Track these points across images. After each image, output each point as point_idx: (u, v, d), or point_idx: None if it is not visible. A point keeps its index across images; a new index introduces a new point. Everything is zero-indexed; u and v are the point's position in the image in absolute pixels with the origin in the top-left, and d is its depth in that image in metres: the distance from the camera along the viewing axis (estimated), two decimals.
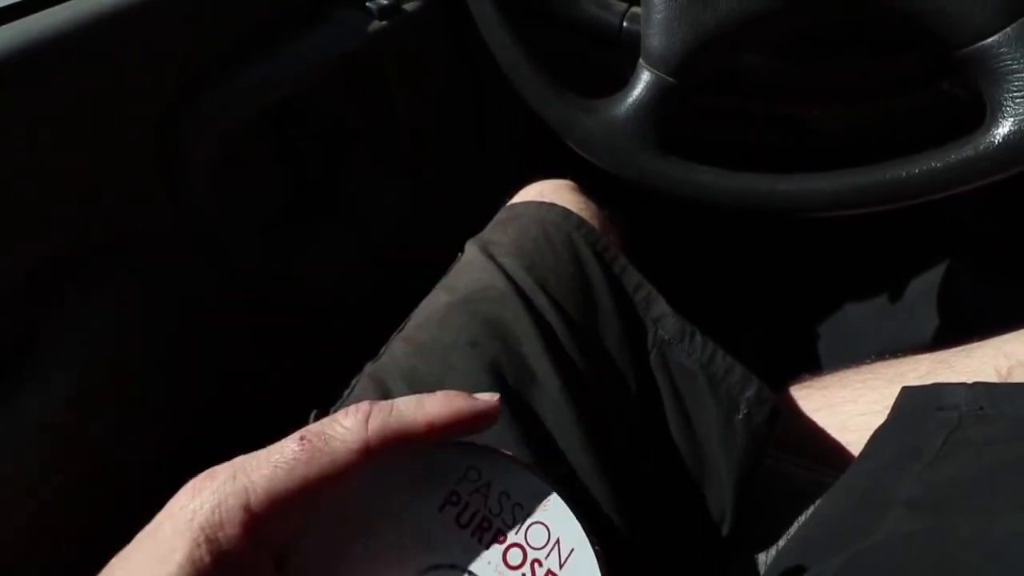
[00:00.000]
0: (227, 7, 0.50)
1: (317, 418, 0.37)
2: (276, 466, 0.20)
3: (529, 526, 0.23)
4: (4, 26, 0.42)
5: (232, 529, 0.19)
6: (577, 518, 0.23)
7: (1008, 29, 0.31)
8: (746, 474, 0.40)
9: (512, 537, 0.23)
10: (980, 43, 0.32)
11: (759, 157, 0.51)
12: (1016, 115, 0.31)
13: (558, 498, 0.24)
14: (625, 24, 0.49)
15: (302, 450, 0.20)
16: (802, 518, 0.42)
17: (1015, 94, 0.31)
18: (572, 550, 0.23)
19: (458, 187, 0.73)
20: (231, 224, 0.51)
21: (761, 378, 0.42)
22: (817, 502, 0.41)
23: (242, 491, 0.19)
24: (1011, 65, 0.31)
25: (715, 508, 0.39)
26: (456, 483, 0.23)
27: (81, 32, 0.43)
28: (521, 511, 0.23)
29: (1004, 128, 0.32)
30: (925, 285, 0.70)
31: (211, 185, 0.49)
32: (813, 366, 0.74)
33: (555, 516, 0.23)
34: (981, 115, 0.34)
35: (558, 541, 0.23)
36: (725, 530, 0.39)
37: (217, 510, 0.19)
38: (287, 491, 0.20)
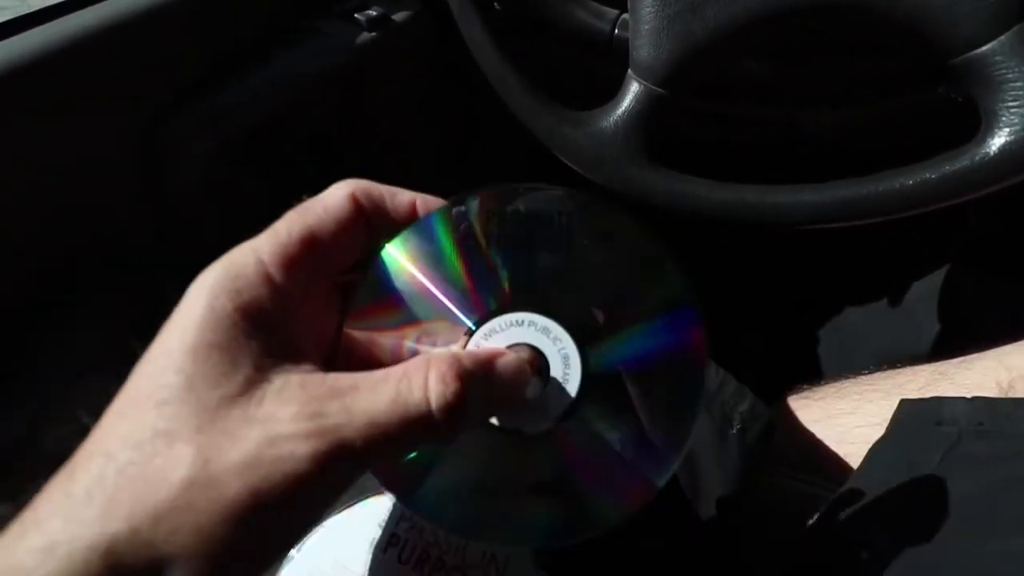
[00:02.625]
0: (214, 22, 0.49)
1: None
2: (275, 229, 0.22)
3: (465, 546, 0.25)
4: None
5: (247, 278, 0.21)
6: None
7: (1003, 37, 0.30)
8: (741, 490, 0.39)
9: (450, 561, 0.25)
10: (974, 51, 0.31)
11: (752, 162, 0.50)
12: (1012, 125, 0.30)
13: None
14: (617, 32, 0.48)
15: (295, 210, 0.23)
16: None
17: (1010, 104, 0.30)
18: (508, 558, 0.25)
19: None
20: (218, 239, 0.51)
21: (759, 384, 0.41)
22: (814, 516, 0.40)
23: (249, 251, 0.21)
24: (1006, 75, 0.30)
25: (708, 525, 0.38)
26: (395, 525, 0.25)
27: (67, 45, 0.43)
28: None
29: (1000, 138, 0.31)
30: (926, 289, 0.69)
31: (197, 200, 0.49)
32: (813, 372, 0.73)
33: None
34: (977, 121, 0.33)
35: (494, 554, 0.25)
36: (717, 547, 0.38)
37: (229, 267, 0.21)
38: (289, 237, 0.22)
